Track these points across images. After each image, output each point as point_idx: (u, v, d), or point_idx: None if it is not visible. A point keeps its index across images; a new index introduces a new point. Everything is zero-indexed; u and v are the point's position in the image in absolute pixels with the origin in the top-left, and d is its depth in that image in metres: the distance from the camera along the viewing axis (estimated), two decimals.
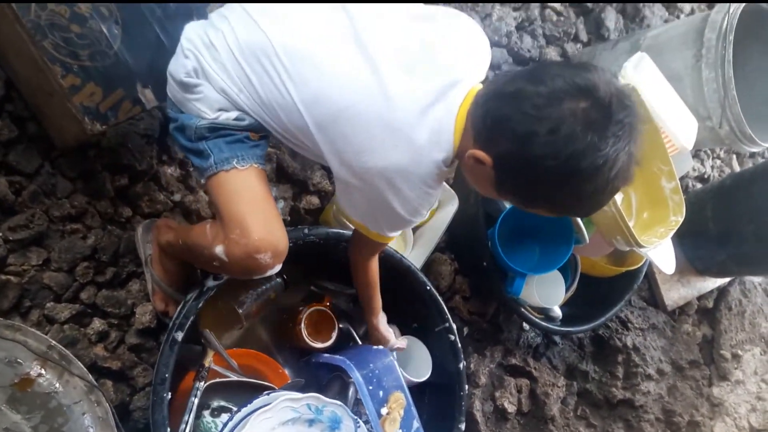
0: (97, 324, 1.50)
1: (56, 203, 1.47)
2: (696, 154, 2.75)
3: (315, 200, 1.82)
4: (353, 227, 1.39)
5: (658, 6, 2.64)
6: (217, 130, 1.25)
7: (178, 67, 1.27)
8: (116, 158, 1.53)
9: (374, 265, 1.50)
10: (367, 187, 1.20)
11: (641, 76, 1.89)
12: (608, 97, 1.02)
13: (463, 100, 1.16)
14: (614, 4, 2.55)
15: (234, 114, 1.26)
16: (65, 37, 1.26)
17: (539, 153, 1.03)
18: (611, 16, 2.51)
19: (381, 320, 1.63)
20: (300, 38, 1.20)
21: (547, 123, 1.02)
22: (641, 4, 2.59)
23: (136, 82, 1.35)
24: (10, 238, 1.41)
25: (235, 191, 1.24)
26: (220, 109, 1.25)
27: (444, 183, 1.84)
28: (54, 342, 1.18)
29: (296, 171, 1.78)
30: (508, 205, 1.86)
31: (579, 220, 1.72)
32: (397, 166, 1.16)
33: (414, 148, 1.15)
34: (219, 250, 1.24)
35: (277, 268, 1.28)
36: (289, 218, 1.78)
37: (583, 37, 2.48)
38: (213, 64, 1.23)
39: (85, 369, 1.19)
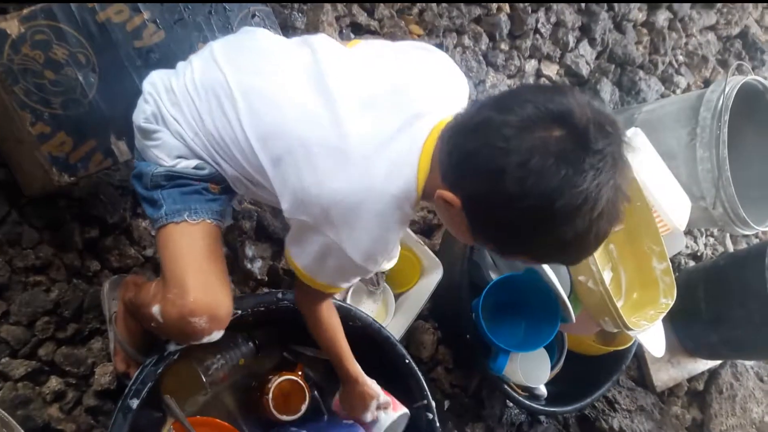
0: (54, 383, 1.42)
1: (20, 253, 1.41)
2: (689, 231, 2.71)
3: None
4: (299, 278, 1.21)
5: (654, 80, 2.64)
6: (174, 178, 1.19)
7: (139, 112, 1.22)
8: (87, 209, 1.48)
9: (330, 310, 1.37)
10: (319, 223, 1.09)
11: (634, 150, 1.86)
12: (584, 124, 0.88)
13: (430, 133, 1.05)
14: (610, 76, 2.54)
15: (194, 162, 1.20)
16: (38, 83, 1.23)
17: (509, 192, 0.89)
18: (607, 88, 2.50)
19: (360, 372, 1.47)
20: (255, 74, 1.15)
21: (515, 157, 0.88)
22: (637, 78, 2.58)
23: (110, 133, 1.32)
24: None
25: (180, 247, 1.16)
26: (178, 157, 1.20)
27: (428, 250, 1.80)
28: (5, 414, 1.10)
29: (277, 230, 1.73)
30: (494, 276, 1.80)
31: (566, 298, 1.66)
32: (353, 198, 1.05)
33: (370, 181, 1.05)
34: (156, 309, 1.16)
35: (216, 335, 1.18)
36: (266, 278, 1.72)
37: None
38: (170, 108, 1.19)
39: None
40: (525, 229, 0.93)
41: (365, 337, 1.57)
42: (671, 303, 1.75)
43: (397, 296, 1.85)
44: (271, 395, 1.50)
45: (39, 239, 1.44)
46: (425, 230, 1.96)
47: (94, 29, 1.29)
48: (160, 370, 1.32)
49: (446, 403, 1.99)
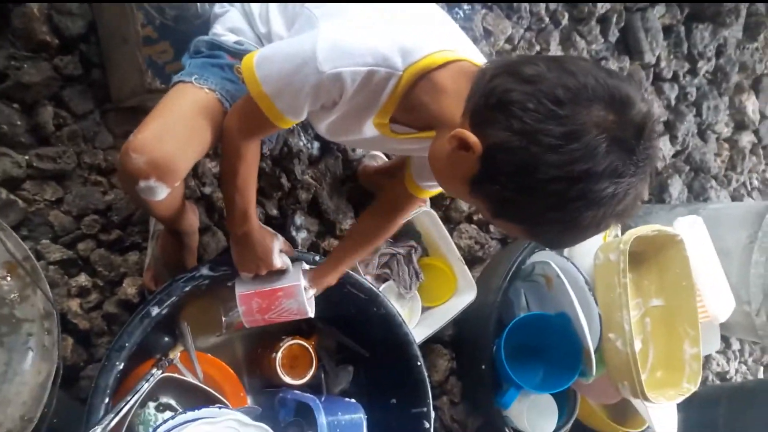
0: (83, 279, 1.46)
1: (91, 151, 1.48)
2: (723, 350, 2.65)
3: (337, 244, 1.78)
4: (249, 100, 1.07)
5: (724, 193, 2.65)
6: (213, 48, 1.22)
7: (216, 6, 1.31)
8: None
9: (257, 150, 1.21)
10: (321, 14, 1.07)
11: (692, 235, 1.86)
12: (641, 119, 0.83)
13: (455, 52, 1.01)
14: (683, 176, 2.55)
15: (235, 38, 1.24)
16: None
17: (545, 159, 0.82)
18: (677, 185, 2.51)
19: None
20: None
21: (566, 124, 0.82)
22: (709, 186, 2.58)
23: None
24: (34, 165, 1.41)
25: (169, 99, 1.14)
26: (231, 30, 1.25)
27: (467, 270, 1.81)
28: (32, 256, 1.14)
29: (329, 210, 1.76)
30: (522, 314, 1.78)
31: (592, 350, 1.64)
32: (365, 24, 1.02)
33: (377, 29, 1.01)
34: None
35: (156, 185, 1.07)
36: (306, 251, 1.74)
37: (644, 194, 2.46)
38: None
39: (50, 293, 1.13)
40: (541, 199, 0.86)
41: (384, 329, 1.57)
42: (693, 389, 1.71)
43: (424, 309, 1.85)
44: (280, 354, 1.51)
45: (112, 144, 1.51)
46: (468, 260, 1.96)
47: None
48: (188, 288, 1.34)
49: None
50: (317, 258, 1.48)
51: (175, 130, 1.09)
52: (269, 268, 1.35)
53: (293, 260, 1.40)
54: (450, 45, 1.02)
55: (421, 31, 1.04)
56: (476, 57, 1.06)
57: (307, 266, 1.42)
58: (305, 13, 1.12)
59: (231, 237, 1.35)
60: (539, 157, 0.83)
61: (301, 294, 1.35)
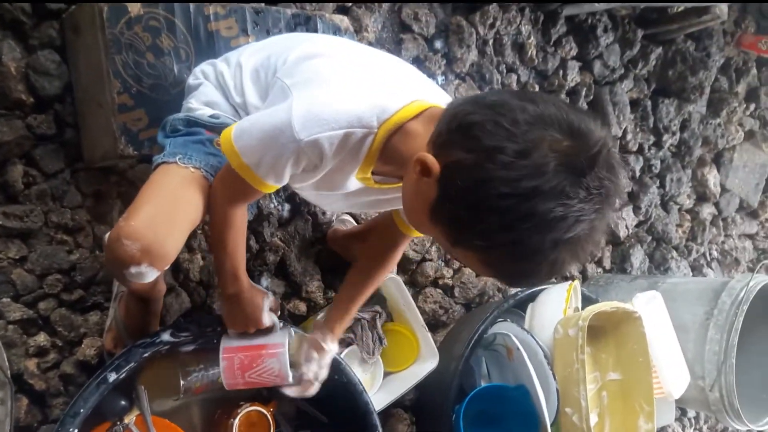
0: (42, 338, 1.45)
1: (59, 210, 1.48)
2: (679, 418, 2.68)
3: (303, 307, 1.79)
4: (230, 169, 1.11)
5: (685, 264, 2.71)
6: (190, 125, 1.25)
7: (190, 78, 1.35)
8: (134, 192, 1.50)
9: (244, 214, 1.25)
10: (295, 83, 1.10)
11: (650, 311, 1.90)
12: (597, 149, 0.85)
13: (421, 102, 1.06)
14: (644, 246, 2.61)
15: (210, 111, 1.27)
16: (137, 61, 1.33)
17: (497, 175, 0.84)
18: (638, 255, 2.57)
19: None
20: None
21: (520, 143, 0.84)
22: (670, 256, 2.64)
23: None
24: (0, 223, 1.40)
25: (156, 182, 1.16)
26: (206, 104, 1.28)
27: (430, 338, 1.82)
28: None
29: (296, 273, 1.77)
30: (483, 383, 1.80)
31: (548, 424, 1.65)
32: (339, 81, 1.07)
33: (360, 91, 1.05)
34: (107, 235, 1.13)
35: (147, 270, 1.09)
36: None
37: (607, 264, 2.52)
38: (219, 64, 1.31)
39: (6, 363, 1.12)
40: (491, 217, 0.87)
41: (345, 396, 1.57)
42: None
43: (386, 374, 1.85)
44: (237, 421, 1.50)
45: (80, 203, 1.51)
46: (432, 324, 1.98)
47: (202, 34, 1.41)
48: (147, 354, 1.34)
49: None
50: (298, 331, 1.49)
51: (166, 214, 1.11)
52: (258, 326, 1.38)
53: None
54: (421, 95, 1.07)
55: (393, 86, 1.09)
56: (446, 99, 1.11)
57: (294, 332, 1.44)
58: (278, 84, 1.16)
59: (221, 296, 1.38)
60: (491, 173, 0.85)
61: (284, 355, 1.37)
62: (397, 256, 1.48)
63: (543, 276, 0.93)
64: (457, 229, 0.93)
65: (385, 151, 1.06)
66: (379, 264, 1.47)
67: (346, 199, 1.28)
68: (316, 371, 1.41)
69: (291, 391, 1.41)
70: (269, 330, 1.40)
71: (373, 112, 1.03)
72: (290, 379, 1.39)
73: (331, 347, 1.42)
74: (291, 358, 1.38)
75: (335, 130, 1.01)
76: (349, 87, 1.07)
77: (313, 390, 1.42)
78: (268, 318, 1.38)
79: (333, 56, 1.17)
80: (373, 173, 1.13)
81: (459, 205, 0.90)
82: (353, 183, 1.16)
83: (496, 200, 0.85)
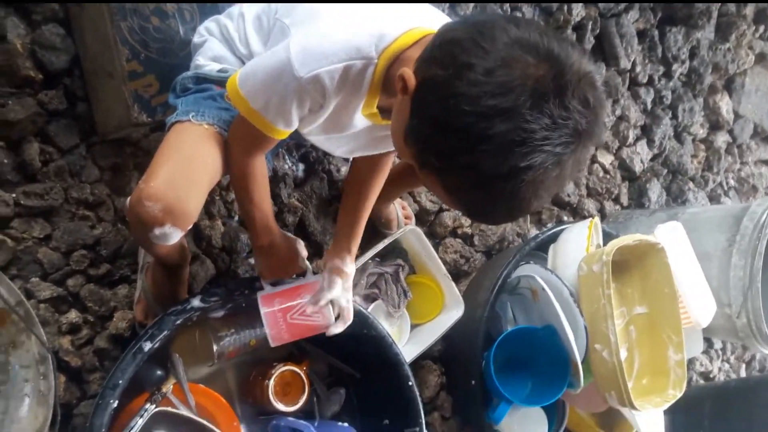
0: (73, 315, 1.46)
1: (78, 185, 1.48)
2: (706, 350, 2.70)
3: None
4: (240, 118, 1.13)
5: (702, 194, 2.69)
6: (199, 81, 1.24)
7: (195, 36, 1.34)
8: (150, 161, 1.53)
9: (263, 164, 1.25)
10: (294, 21, 1.11)
11: (671, 241, 1.89)
12: (570, 76, 0.81)
13: (421, 28, 1.03)
14: (661, 179, 2.59)
15: (218, 66, 1.26)
16: (142, 26, 1.32)
17: (462, 91, 0.81)
18: (655, 189, 2.55)
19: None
20: None
21: (489, 60, 0.81)
22: (687, 188, 2.63)
23: None
24: (21, 203, 1.40)
25: (172, 141, 1.15)
26: (213, 59, 1.27)
27: (454, 287, 1.83)
28: (25, 300, 1.14)
29: (316, 232, 1.78)
30: (509, 328, 1.81)
31: (579, 361, 1.66)
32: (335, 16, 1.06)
33: (347, 23, 1.04)
34: (128, 200, 1.13)
35: (171, 231, 1.09)
36: None
37: (624, 200, 2.51)
38: (222, 18, 1.30)
39: (44, 337, 1.13)
40: (453, 137, 0.84)
41: (375, 350, 1.59)
42: (679, 395, 1.74)
43: (413, 327, 1.87)
44: (272, 381, 1.52)
45: (98, 177, 1.51)
46: (454, 274, 1.99)
47: None
48: (179, 321, 1.35)
49: None
50: None
51: (184, 173, 1.10)
52: (297, 271, 1.41)
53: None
54: (421, 21, 1.04)
55: (390, 14, 1.07)
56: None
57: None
58: (278, 25, 1.15)
59: (255, 249, 1.38)
60: (457, 89, 0.82)
61: None
62: (386, 167, 1.42)
63: (502, 210, 0.90)
64: (423, 149, 0.91)
65: (387, 81, 1.04)
66: (370, 177, 1.41)
67: (356, 139, 1.27)
68: (345, 295, 1.39)
69: (335, 328, 1.40)
70: (302, 275, 1.42)
71: (371, 41, 1.01)
72: (332, 312, 1.39)
73: (350, 268, 1.40)
74: None
75: (335, 63, 1.00)
76: (347, 19, 1.06)
77: (351, 316, 1.41)
78: (303, 263, 1.39)
79: None
80: (379, 109, 1.11)
81: (425, 123, 0.88)
82: (360, 121, 1.15)
83: (458, 118, 0.82)
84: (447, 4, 2.02)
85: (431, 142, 0.88)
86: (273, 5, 1.21)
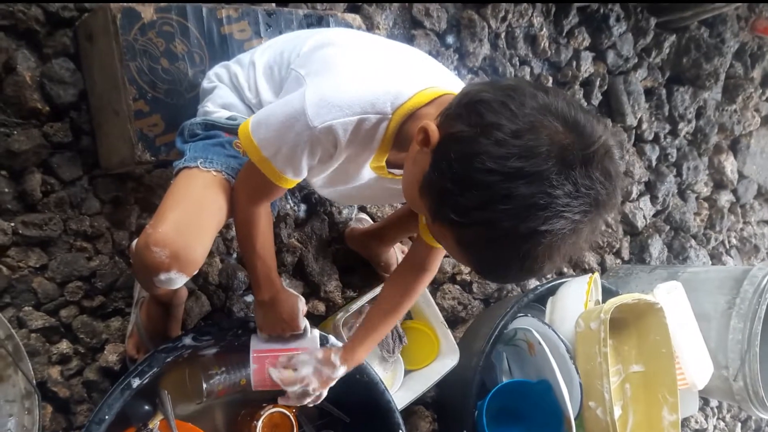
0: (64, 346, 1.45)
1: (77, 217, 1.48)
2: (702, 408, 2.66)
3: (321, 307, 1.79)
4: (249, 165, 1.14)
5: (704, 252, 2.69)
6: (207, 128, 1.25)
7: (204, 82, 1.35)
8: (151, 197, 1.55)
9: (269, 214, 1.26)
10: (309, 72, 1.11)
11: (671, 301, 1.88)
12: (595, 147, 0.83)
13: (435, 88, 1.05)
14: (663, 236, 2.59)
15: (227, 114, 1.27)
16: (152, 67, 1.33)
17: (487, 150, 0.82)
18: (657, 245, 2.55)
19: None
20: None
21: (518, 123, 0.83)
22: (689, 245, 2.62)
23: None
24: (20, 232, 1.41)
25: (180, 187, 1.16)
26: (223, 106, 1.28)
27: (450, 334, 1.82)
28: (15, 334, 1.14)
29: (314, 273, 1.77)
30: (504, 379, 1.80)
31: (572, 418, 1.64)
32: (351, 65, 1.07)
33: (375, 74, 1.06)
34: (134, 242, 1.14)
35: (177, 276, 1.10)
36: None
37: (625, 255, 2.50)
38: (232, 66, 1.31)
39: (32, 373, 1.13)
40: (473, 193, 0.84)
41: (366, 395, 1.57)
42: None
43: (407, 372, 1.85)
44: (261, 422, 1.50)
45: (99, 210, 1.51)
46: (451, 321, 1.98)
47: (215, 38, 1.41)
48: (169, 359, 1.35)
49: None
50: (322, 335, 1.50)
51: (192, 220, 1.11)
52: (294, 330, 1.39)
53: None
54: (436, 82, 1.06)
55: (407, 72, 1.09)
56: (461, 86, 1.10)
57: (317, 332, 1.45)
58: (292, 74, 1.16)
59: (255, 302, 1.39)
60: (483, 147, 0.83)
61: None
62: (428, 277, 1.42)
63: (514, 270, 0.90)
64: (439, 202, 0.90)
65: (399, 137, 1.06)
66: (408, 288, 1.42)
67: (361, 191, 1.27)
68: (316, 387, 1.38)
69: (284, 400, 1.41)
70: (300, 333, 1.41)
71: (387, 98, 1.02)
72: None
73: (340, 372, 1.39)
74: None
75: (349, 116, 1.01)
76: (363, 73, 1.07)
77: (305, 402, 1.40)
78: (302, 322, 1.39)
79: (346, 44, 1.16)
80: (387, 164, 1.12)
81: (445, 176, 0.88)
82: (367, 173, 1.16)
83: (481, 175, 0.83)
84: (456, 55, 2.05)
85: (450, 195, 0.87)
86: (285, 56, 1.22)
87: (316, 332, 1.45)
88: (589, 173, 0.82)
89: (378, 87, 1.03)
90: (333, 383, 1.40)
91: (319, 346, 1.42)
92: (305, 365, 1.37)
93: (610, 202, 0.86)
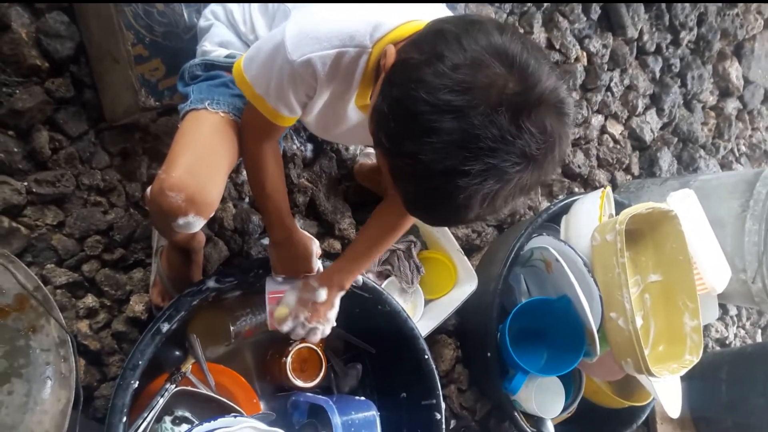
0: (90, 300, 1.48)
1: (88, 172, 1.49)
2: (721, 317, 2.70)
3: (337, 245, 1.80)
4: (248, 106, 1.15)
5: (713, 161, 2.67)
6: (208, 68, 1.24)
7: (201, 20, 1.33)
8: (159, 146, 1.55)
9: (277, 154, 1.26)
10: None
11: (685, 209, 1.88)
12: (534, 99, 0.80)
13: (416, 22, 1.00)
14: (671, 148, 2.58)
15: (226, 52, 1.26)
16: (147, 10, 1.32)
17: (426, 79, 0.80)
18: (666, 158, 2.53)
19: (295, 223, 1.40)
20: None
21: (461, 58, 0.80)
22: (698, 155, 2.61)
23: None
24: (34, 190, 1.41)
25: (189, 129, 1.15)
26: (220, 44, 1.26)
27: (467, 261, 1.83)
28: (42, 285, 1.15)
29: (327, 212, 1.78)
30: (523, 299, 1.81)
31: (595, 330, 1.67)
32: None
33: (345, 10, 1.02)
34: (148, 189, 1.13)
35: (194, 220, 1.10)
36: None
37: (635, 170, 2.49)
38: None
39: (63, 321, 1.15)
40: (405, 122, 0.83)
41: (390, 325, 1.60)
42: (695, 361, 1.73)
43: (427, 302, 1.87)
44: (290, 358, 1.53)
45: (108, 163, 1.51)
46: (466, 249, 1.99)
47: None
48: (195, 302, 1.36)
49: (453, 422, 1.99)
50: None
51: (204, 162, 1.11)
52: (309, 271, 1.41)
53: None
54: (420, 15, 1.03)
55: (390, 6, 1.05)
56: None
57: None
58: (282, 8, 1.15)
59: (270, 242, 1.39)
60: (422, 76, 0.81)
61: None
62: (407, 223, 1.41)
63: (438, 211, 0.89)
64: (377, 127, 0.89)
65: (380, 72, 1.02)
66: (394, 223, 1.39)
67: (354, 132, 1.25)
68: (308, 317, 1.37)
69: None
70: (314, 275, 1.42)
71: (366, 30, 0.99)
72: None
73: (321, 295, 1.37)
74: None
75: (327, 49, 0.99)
76: (345, 6, 1.04)
77: (310, 336, 1.40)
78: (317, 262, 1.40)
79: None
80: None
81: (386, 101, 0.86)
82: (354, 114, 1.15)
83: (413, 103, 0.80)
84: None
85: (386, 121, 0.86)
86: None
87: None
88: (518, 122, 0.79)
89: (358, 18, 1.00)
90: (330, 312, 1.39)
91: None
92: (290, 297, 1.38)
93: (545, 159, 0.82)
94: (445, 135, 0.79)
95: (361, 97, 1.08)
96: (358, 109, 1.13)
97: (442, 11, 1.14)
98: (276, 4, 1.20)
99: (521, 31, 2.19)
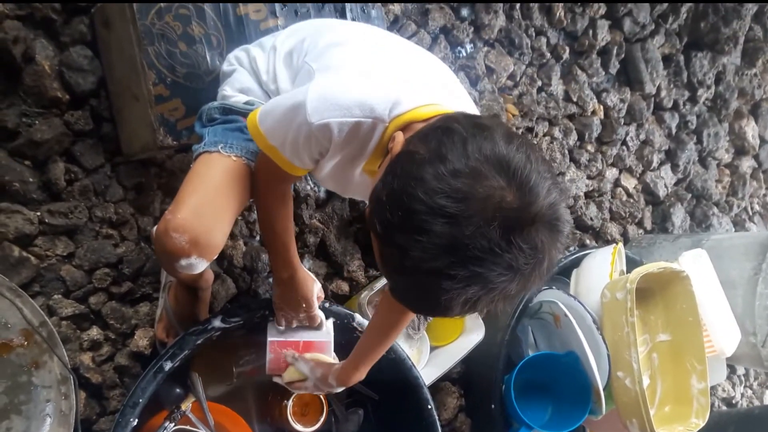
0: (95, 332, 1.47)
1: (102, 204, 1.49)
2: (729, 376, 2.66)
3: (345, 287, 1.79)
4: (262, 155, 1.16)
5: (726, 219, 2.66)
6: (226, 112, 1.25)
7: (224, 64, 1.35)
8: (174, 182, 1.55)
9: (288, 197, 1.26)
10: (318, 67, 1.11)
11: (697, 269, 1.87)
12: (529, 217, 0.80)
13: (437, 104, 1.02)
14: (685, 204, 2.57)
15: (245, 98, 1.27)
16: (170, 51, 1.33)
17: (425, 179, 0.80)
18: (679, 213, 2.53)
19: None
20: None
21: (463, 164, 0.80)
22: (711, 213, 2.60)
23: None
24: (46, 221, 1.42)
25: (200, 171, 1.16)
26: (241, 90, 1.28)
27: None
28: (48, 321, 1.15)
29: (336, 253, 1.78)
30: (530, 352, 1.80)
31: (601, 388, 1.64)
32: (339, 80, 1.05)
33: (368, 81, 1.04)
34: (154, 228, 1.14)
35: (197, 261, 1.11)
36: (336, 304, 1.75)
37: (647, 224, 2.49)
38: (252, 49, 1.31)
39: (67, 358, 1.14)
40: (398, 214, 0.82)
41: (394, 372, 1.58)
42: (701, 424, 1.71)
43: (433, 348, 1.86)
44: (291, 401, 1.52)
45: (122, 197, 1.52)
46: None
47: (231, 19, 1.40)
48: (200, 341, 1.36)
49: None
50: (348, 313, 1.56)
51: (211, 205, 1.12)
52: (309, 311, 1.42)
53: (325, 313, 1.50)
54: (439, 99, 1.05)
55: (413, 83, 1.08)
56: (468, 109, 1.10)
57: (331, 323, 1.51)
58: (305, 68, 1.15)
59: (274, 279, 1.41)
60: (423, 175, 0.81)
61: (330, 351, 1.46)
62: (407, 319, 1.41)
63: (421, 303, 0.89)
64: (373, 211, 0.89)
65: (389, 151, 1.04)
66: (394, 325, 1.39)
67: (359, 189, 1.25)
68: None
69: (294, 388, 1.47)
70: (314, 323, 1.46)
71: (386, 105, 1.01)
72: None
73: (335, 391, 1.45)
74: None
75: (347, 117, 1.01)
76: (369, 77, 1.06)
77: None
78: (315, 304, 1.42)
79: (359, 45, 1.16)
80: (380, 169, 1.10)
81: (385, 189, 0.86)
82: (360, 176, 1.16)
83: (409, 200, 0.81)
84: (471, 28, 2.03)
85: (382, 209, 0.85)
86: (305, 45, 1.21)
87: (330, 323, 1.50)
88: (509, 237, 0.79)
89: (380, 93, 1.02)
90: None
91: (332, 338, 1.48)
92: (305, 371, 1.43)
93: (531, 273, 0.82)
94: (435, 237, 0.79)
95: (370, 163, 1.10)
96: (365, 173, 1.14)
97: (463, 98, 1.16)
98: (300, 61, 1.21)
99: (539, 83, 2.21)
